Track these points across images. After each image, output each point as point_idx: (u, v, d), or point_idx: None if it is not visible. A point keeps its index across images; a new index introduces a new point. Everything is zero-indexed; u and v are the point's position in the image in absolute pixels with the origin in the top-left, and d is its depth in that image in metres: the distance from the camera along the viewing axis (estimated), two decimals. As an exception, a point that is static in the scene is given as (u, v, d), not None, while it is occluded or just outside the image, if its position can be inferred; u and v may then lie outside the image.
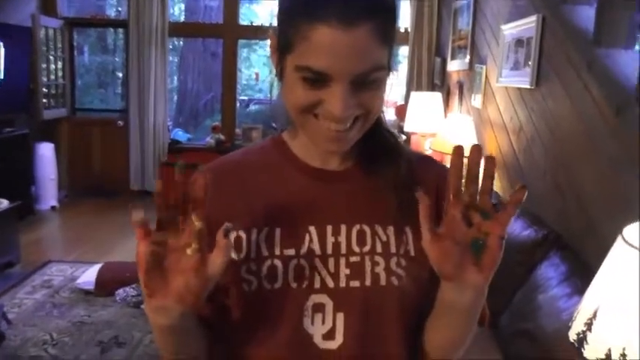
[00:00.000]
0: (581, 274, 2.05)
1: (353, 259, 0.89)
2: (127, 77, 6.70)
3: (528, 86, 3.09)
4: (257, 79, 10.30)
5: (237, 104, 7.18)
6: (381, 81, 0.83)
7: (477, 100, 4.29)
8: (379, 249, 0.91)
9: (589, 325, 1.24)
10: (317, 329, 0.88)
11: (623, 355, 1.16)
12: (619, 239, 1.24)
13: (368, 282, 0.89)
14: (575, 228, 2.39)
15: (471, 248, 0.79)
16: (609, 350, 1.18)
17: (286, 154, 0.96)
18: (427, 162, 1.01)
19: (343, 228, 0.91)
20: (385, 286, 0.89)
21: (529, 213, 2.77)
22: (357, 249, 0.90)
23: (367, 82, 0.81)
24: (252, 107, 10.00)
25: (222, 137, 6.65)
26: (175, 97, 10.12)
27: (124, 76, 7.37)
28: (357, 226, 0.91)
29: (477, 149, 0.79)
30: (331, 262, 0.89)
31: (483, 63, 4.20)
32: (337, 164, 0.95)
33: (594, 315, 1.23)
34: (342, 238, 0.90)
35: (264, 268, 0.88)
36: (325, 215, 0.91)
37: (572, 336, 1.28)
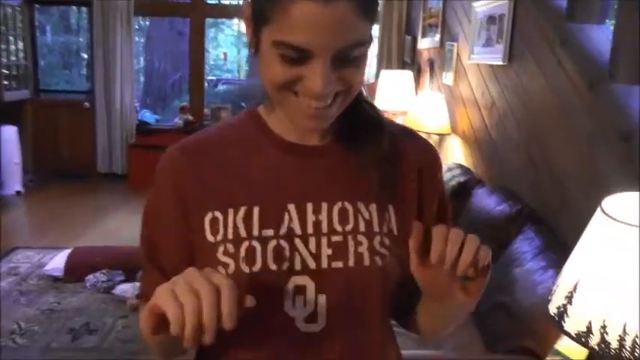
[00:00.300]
0: (555, 248, 2.06)
1: (335, 238, 0.86)
2: (92, 58, 6.54)
3: (501, 63, 3.09)
4: (225, 59, 10.16)
5: (206, 84, 7.07)
6: (363, 56, 0.79)
7: (448, 78, 4.28)
8: (362, 228, 0.87)
9: (569, 299, 1.23)
10: (298, 312, 0.85)
11: (604, 327, 1.16)
12: (598, 211, 1.23)
13: (351, 262, 0.85)
14: (550, 202, 2.40)
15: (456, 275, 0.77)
16: (590, 323, 1.18)
17: (263, 129, 0.92)
18: (410, 136, 0.97)
19: (324, 206, 0.87)
20: (369, 266, 0.86)
21: (503, 188, 2.78)
22: (339, 228, 0.86)
23: (349, 58, 0.77)
24: (221, 87, 9.86)
25: (190, 118, 6.56)
26: (142, 78, 9.93)
27: (89, 56, 7.19)
28: (339, 204, 0.87)
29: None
30: (312, 242, 0.85)
31: (455, 40, 4.19)
32: (316, 139, 0.91)
33: (574, 288, 1.23)
34: (324, 217, 0.86)
35: (242, 250, 0.84)
36: (305, 192, 0.88)
37: (553, 310, 1.27)
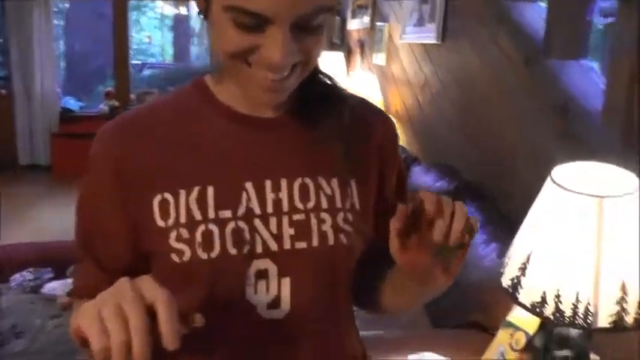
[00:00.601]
0: (497, 222, 2.10)
1: (297, 217, 0.80)
2: (7, 43, 6.19)
3: (434, 42, 3.12)
4: (150, 42, 9.85)
5: (131, 69, 6.83)
6: (325, 24, 0.74)
7: (379, 58, 4.29)
8: (325, 204, 0.82)
9: (523, 270, 1.25)
10: (261, 299, 0.79)
11: (558, 297, 1.18)
12: (548, 181, 1.25)
13: (315, 242, 0.80)
14: (489, 177, 2.44)
15: (437, 254, 0.74)
16: (544, 293, 1.19)
17: (212, 100, 0.84)
18: (369, 108, 0.94)
19: (284, 182, 0.81)
20: (334, 245, 0.81)
21: (441, 165, 2.81)
22: (300, 206, 0.81)
23: (310, 26, 0.71)
24: (147, 72, 9.56)
25: (116, 104, 6.33)
26: (62, 64, 9.49)
27: (4, 41, 6.80)
28: (299, 180, 0.82)
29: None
30: (273, 222, 0.80)
31: (385, 21, 4.20)
32: (270, 111, 0.84)
33: (527, 259, 1.24)
34: (284, 194, 0.81)
35: (197, 235, 0.77)
36: (262, 169, 0.81)
37: (506, 282, 1.28)
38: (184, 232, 0.78)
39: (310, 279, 0.82)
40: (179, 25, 9.70)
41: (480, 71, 2.57)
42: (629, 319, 1.13)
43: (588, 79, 1.87)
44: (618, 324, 1.13)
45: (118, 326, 0.58)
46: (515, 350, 1.39)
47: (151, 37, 9.86)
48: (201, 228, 0.78)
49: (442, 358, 1.47)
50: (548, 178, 1.25)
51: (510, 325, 1.42)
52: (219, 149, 0.82)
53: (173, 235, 0.78)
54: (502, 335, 1.43)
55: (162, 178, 0.80)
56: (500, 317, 1.66)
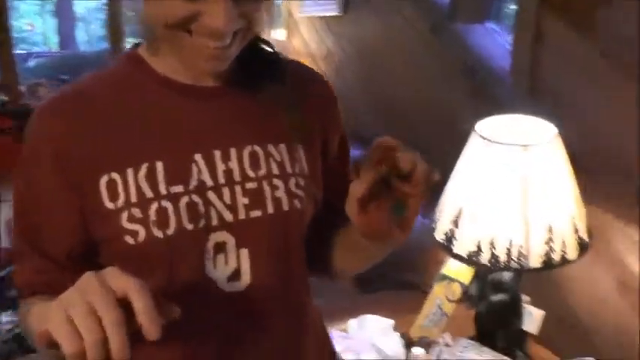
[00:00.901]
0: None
1: (249, 185, 0.79)
2: None
3: (336, 13, 3.14)
4: (32, 29, 9.27)
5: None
6: None
7: (279, 34, 4.27)
8: (276, 171, 0.80)
9: (455, 223, 1.30)
10: (220, 272, 0.78)
11: (492, 244, 1.24)
12: (473, 135, 1.31)
13: (270, 209, 0.79)
14: (404, 142, 2.51)
15: (394, 211, 0.75)
16: (479, 242, 1.26)
17: (150, 73, 0.80)
18: (309, 74, 0.94)
19: (233, 152, 0.80)
20: (288, 211, 0.81)
21: (351, 134, 2.85)
22: (252, 174, 0.79)
23: None
24: (32, 62, 9.00)
25: (5, 98, 5.91)
26: None
27: None
28: (249, 148, 0.80)
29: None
30: (226, 192, 0.78)
31: (283, -5, 4.19)
32: (210, 80, 0.81)
33: (459, 212, 1.29)
34: (234, 164, 0.79)
35: (151, 213, 0.74)
36: (210, 139, 0.79)
37: (440, 236, 1.33)
38: (137, 212, 0.75)
39: (268, 247, 0.81)
40: (62, 11, 9.20)
41: (386, 41, 2.63)
42: (556, 256, 1.21)
43: (494, 41, 1.97)
44: (547, 263, 1.21)
45: (92, 325, 0.55)
46: (452, 301, 1.46)
47: (32, 24, 9.29)
48: (155, 205, 0.75)
49: (383, 318, 1.51)
50: (473, 133, 1.31)
51: (445, 277, 1.48)
52: (164, 122, 0.79)
53: (124, 216, 0.75)
54: (438, 289, 1.49)
55: (107, 157, 0.76)
56: (430, 274, 1.74)
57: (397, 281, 1.92)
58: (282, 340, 0.84)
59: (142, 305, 0.56)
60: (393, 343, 1.45)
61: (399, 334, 1.48)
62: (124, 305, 0.57)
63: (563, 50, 1.61)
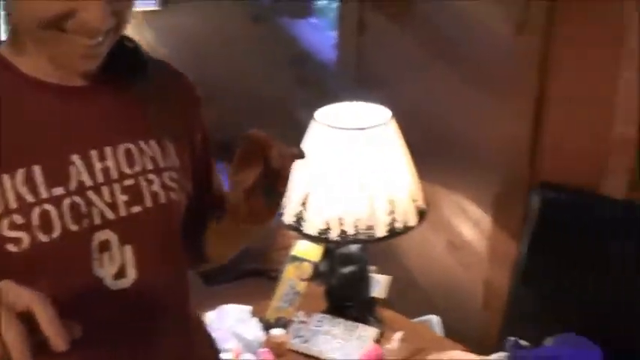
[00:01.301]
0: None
1: (127, 182, 0.80)
2: None
3: (154, 8, 3.08)
4: None
5: None
6: None
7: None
8: (150, 166, 0.82)
9: (304, 205, 1.38)
10: (107, 271, 0.78)
11: (340, 220, 1.34)
12: (313, 122, 1.40)
13: (149, 203, 0.81)
14: (230, 131, 2.56)
15: (265, 194, 0.81)
16: (328, 220, 1.35)
17: (15, 74, 0.78)
18: (173, 72, 0.95)
19: (109, 150, 0.80)
20: (166, 204, 0.82)
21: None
22: (128, 171, 0.80)
23: None
24: None
25: None
26: None
27: None
28: (123, 146, 0.81)
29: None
30: (105, 191, 0.78)
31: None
32: (79, 80, 0.81)
33: (307, 195, 1.38)
34: (111, 162, 0.79)
35: (33, 218, 0.73)
36: (85, 139, 0.78)
37: (289, 219, 1.41)
38: (18, 218, 0.72)
39: (151, 241, 0.82)
40: None
41: (208, 33, 2.64)
42: (399, 225, 1.34)
43: (319, 34, 2.09)
44: (392, 231, 1.34)
45: None
46: (304, 280, 1.54)
47: None
48: (37, 210, 0.73)
49: (240, 306, 1.55)
50: (313, 120, 1.40)
51: (295, 259, 1.56)
52: (35, 125, 0.77)
53: (5, 223, 0.72)
54: (289, 270, 1.56)
55: None
56: (274, 261, 1.81)
57: (242, 271, 1.97)
58: (172, 332, 0.86)
59: (46, 318, 0.55)
60: (253, 328, 1.50)
61: (257, 319, 1.53)
62: (27, 318, 0.55)
63: (385, 41, 1.76)
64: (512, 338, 1.34)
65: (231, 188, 0.80)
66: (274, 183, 0.79)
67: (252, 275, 1.97)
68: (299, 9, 2.08)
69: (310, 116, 1.41)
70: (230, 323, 1.50)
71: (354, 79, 1.84)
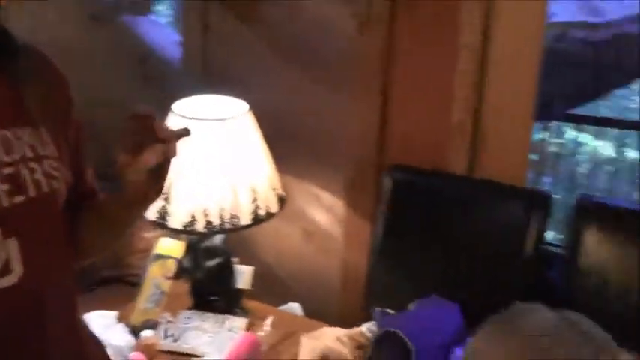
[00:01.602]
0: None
1: (7, 171, 0.76)
2: None
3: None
4: None
5: None
6: None
7: None
8: (29, 154, 0.79)
9: (167, 199, 1.36)
10: None
11: (205, 212, 1.34)
12: (170, 115, 1.38)
13: (32, 193, 0.76)
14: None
15: (157, 174, 0.81)
16: (193, 213, 1.34)
17: None
18: (41, 56, 0.90)
19: None
20: (49, 192, 0.79)
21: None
22: (7, 159, 0.76)
23: None
24: None
25: None
26: None
27: None
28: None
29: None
30: None
31: None
32: None
33: (169, 189, 1.36)
34: None
35: None
36: None
37: (153, 215, 1.38)
38: None
39: (36, 232, 0.78)
40: None
41: (44, 37, 2.49)
42: (262, 212, 1.38)
43: (162, 32, 2.06)
44: (256, 219, 1.37)
45: None
46: (169, 277, 1.51)
47: None
48: None
49: (105, 312, 1.48)
50: (170, 113, 1.39)
51: (159, 257, 1.52)
52: None
53: None
54: (154, 269, 1.52)
55: None
56: (132, 264, 1.75)
57: (100, 278, 1.89)
58: (62, 327, 0.83)
59: None
60: (120, 334, 1.44)
61: (123, 323, 1.48)
62: None
63: (231, 40, 1.79)
64: (379, 308, 1.43)
65: (125, 171, 0.79)
66: (159, 162, 0.80)
67: (110, 282, 1.89)
68: (139, 6, 2.04)
69: (159, 114, 1.39)
70: (96, 331, 1.43)
71: (200, 77, 1.85)
